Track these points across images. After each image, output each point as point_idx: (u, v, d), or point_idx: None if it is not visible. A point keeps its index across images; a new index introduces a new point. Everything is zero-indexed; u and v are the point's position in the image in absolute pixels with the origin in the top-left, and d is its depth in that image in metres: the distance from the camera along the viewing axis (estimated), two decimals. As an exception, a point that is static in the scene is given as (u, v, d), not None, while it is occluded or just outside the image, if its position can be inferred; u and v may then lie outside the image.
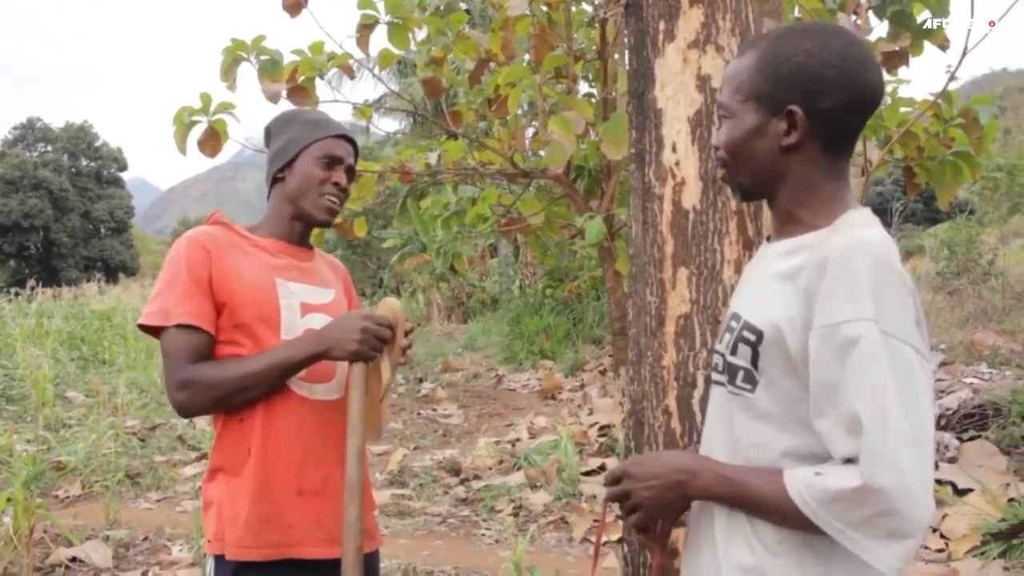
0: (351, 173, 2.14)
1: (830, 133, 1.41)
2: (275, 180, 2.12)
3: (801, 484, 1.29)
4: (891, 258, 1.29)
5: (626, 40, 2.24)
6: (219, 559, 1.93)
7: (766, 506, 1.35)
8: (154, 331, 1.94)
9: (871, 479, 1.21)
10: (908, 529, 1.22)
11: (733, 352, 1.44)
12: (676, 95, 2.10)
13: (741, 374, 1.43)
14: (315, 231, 2.24)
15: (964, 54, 5.67)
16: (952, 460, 5.12)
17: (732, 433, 1.46)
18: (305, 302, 2.03)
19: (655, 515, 1.50)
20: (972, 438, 5.35)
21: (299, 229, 2.12)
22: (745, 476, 1.38)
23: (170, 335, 1.90)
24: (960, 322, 10.74)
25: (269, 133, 2.17)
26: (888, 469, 1.21)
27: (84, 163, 52.78)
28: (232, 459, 1.95)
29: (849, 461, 1.26)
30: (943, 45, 6.48)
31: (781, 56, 1.40)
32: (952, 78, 6.20)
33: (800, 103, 1.39)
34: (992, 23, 5.37)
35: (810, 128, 1.40)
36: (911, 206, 26.92)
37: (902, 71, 6.74)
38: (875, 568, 1.26)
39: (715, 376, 1.54)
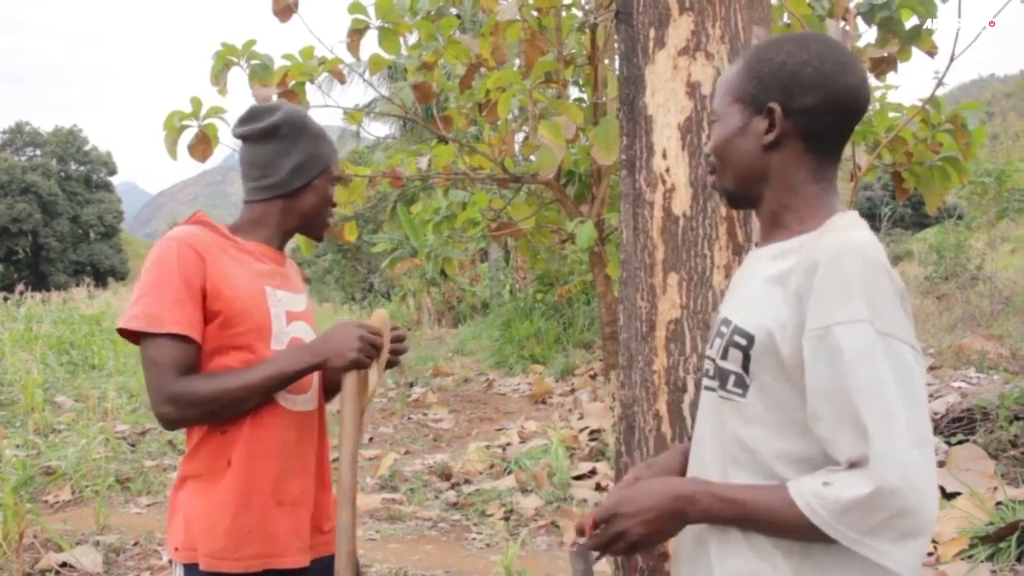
0: None
1: (810, 133, 1.43)
2: (281, 194, 2.03)
3: (810, 496, 1.27)
4: (880, 258, 1.30)
5: (617, 47, 2.26)
6: (189, 569, 1.89)
7: (773, 522, 1.32)
8: (135, 335, 1.85)
9: (883, 481, 1.21)
10: (921, 526, 1.22)
11: (724, 357, 1.43)
12: (666, 102, 2.12)
13: (732, 379, 1.42)
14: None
15: (952, 60, 5.71)
16: (940, 464, 5.15)
17: (723, 439, 1.45)
18: (289, 310, 2.00)
19: (654, 545, 1.46)
20: (960, 442, 5.38)
21: (288, 238, 2.09)
22: (747, 495, 1.35)
23: (158, 344, 1.81)
24: (948, 326, 10.79)
25: (277, 131, 2.02)
26: (898, 469, 1.21)
27: (73, 167, 52.56)
28: (208, 469, 1.90)
29: (854, 464, 1.25)
30: (931, 51, 6.53)
31: (764, 58, 1.45)
32: (940, 84, 6.24)
33: (779, 101, 1.42)
34: (992, 23, 5.41)
35: (790, 126, 1.43)
36: (900, 211, 27.03)
37: (891, 76, 6.80)
38: (877, 569, 1.26)
39: (706, 381, 1.53)
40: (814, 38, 1.45)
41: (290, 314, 2.00)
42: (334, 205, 2.11)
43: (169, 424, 1.84)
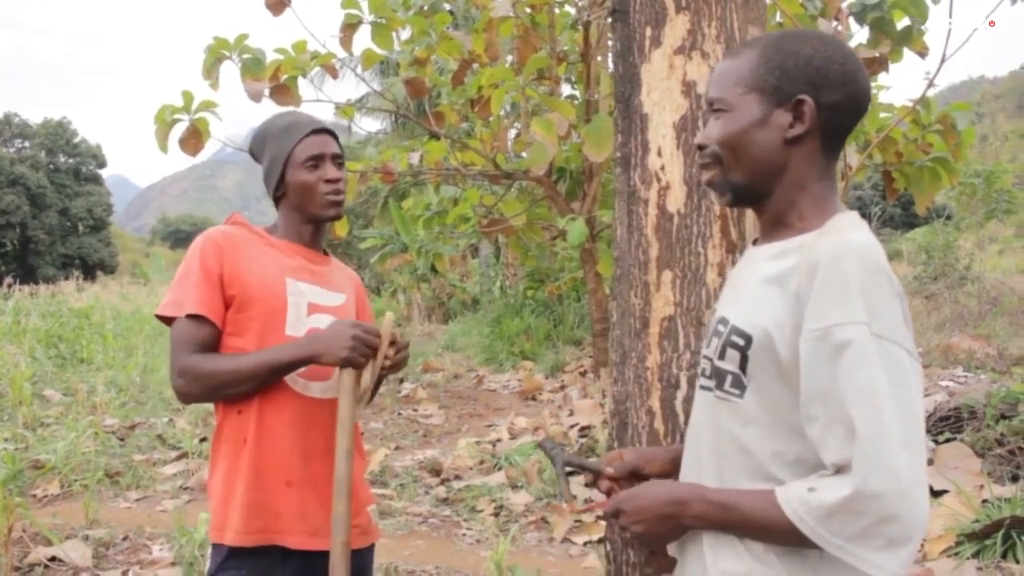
0: (338, 160, 2.17)
1: (828, 129, 1.42)
2: (276, 198, 2.18)
3: (796, 503, 1.26)
4: (879, 261, 1.29)
5: (611, 45, 2.27)
6: (217, 548, 2.01)
7: (762, 528, 1.33)
8: (169, 322, 2.04)
9: (865, 484, 1.19)
10: (907, 533, 1.20)
11: (721, 356, 1.42)
12: (662, 100, 2.13)
13: (729, 379, 1.41)
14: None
15: (943, 61, 5.73)
16: (928, 462, 5.18)
17: (719, 439, 1.44)
18: (313, 302, 2.10)
19: (652, 546, 1.48)
20: (947, 440, 5.41)
21: (310, 231, 2.19)
22: (738, 500, 1.36)
23: (179, 324, 1.99)
24: (936, 326, 10.85)
25: (254, 154, 2.24)
26: (884, 473, 1.19)
27: (62, 159, 52.29)
28: (231, 448, 2.02)
29: (840, 468, 1.24)
30: (922, 52, 6.56)
31: (786, 50, 1.42)
32: (931, 85, 6.27)
33: (809, 94, 1.40)
34: (992, 23, 5.43)
35: (815, 121, 1.41)
36: (889, 210, 27.13)
37: (882, 77, 6.83)
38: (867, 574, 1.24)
39: (702, 381, 1.51)
40: (829, 36, 1.44)
41: (313, 306, 2.10)
42: (331, 180, 2.13)
43: (181, 397, 2.00)
